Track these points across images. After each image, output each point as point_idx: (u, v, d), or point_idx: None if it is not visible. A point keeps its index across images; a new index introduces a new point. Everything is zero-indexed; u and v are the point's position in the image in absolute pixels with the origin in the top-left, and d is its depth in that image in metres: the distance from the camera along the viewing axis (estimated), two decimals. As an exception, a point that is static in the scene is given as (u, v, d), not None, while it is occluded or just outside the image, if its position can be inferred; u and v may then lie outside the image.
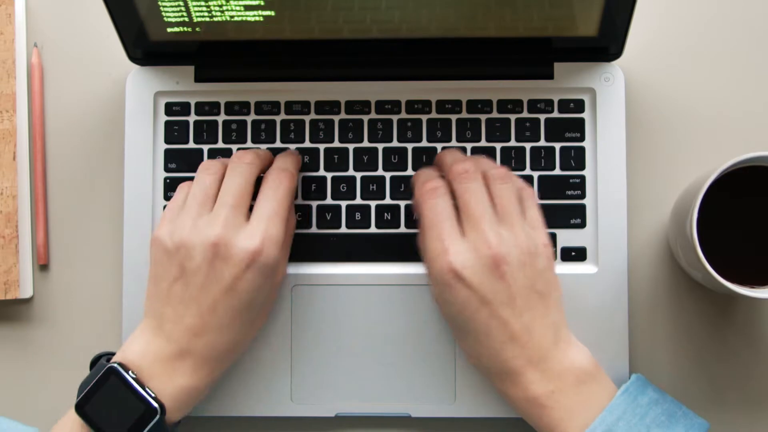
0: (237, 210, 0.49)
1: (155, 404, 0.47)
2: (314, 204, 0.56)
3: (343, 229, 0.56)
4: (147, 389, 0.47)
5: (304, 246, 0.56)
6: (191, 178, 0.56)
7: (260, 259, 0.48)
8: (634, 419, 0.48)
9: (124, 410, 0.47)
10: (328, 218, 0.56)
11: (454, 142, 0.56)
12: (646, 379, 0.52)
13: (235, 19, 0.52)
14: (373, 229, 0.56)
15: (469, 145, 0.56)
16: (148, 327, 0.49)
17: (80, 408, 0.48)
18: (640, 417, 0.48)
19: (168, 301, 0.49)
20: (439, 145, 0.56)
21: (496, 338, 0.48)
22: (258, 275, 0.48)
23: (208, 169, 0.51)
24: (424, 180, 0.51)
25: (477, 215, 0.48)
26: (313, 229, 0.56)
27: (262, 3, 0.50)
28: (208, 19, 0.51)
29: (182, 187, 0.53)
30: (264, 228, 0.48)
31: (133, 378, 0.47)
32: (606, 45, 0.55)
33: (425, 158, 0.56)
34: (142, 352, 0.48)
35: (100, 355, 0.51)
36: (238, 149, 0.56)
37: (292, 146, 0.56)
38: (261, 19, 0.51)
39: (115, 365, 0.48)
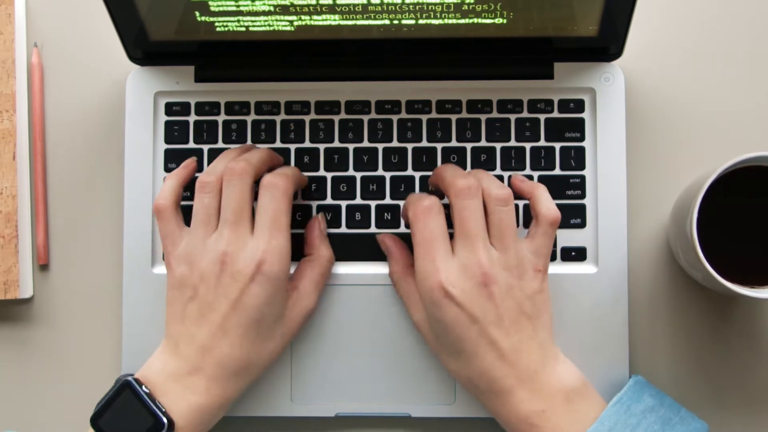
0: (239, 226, 0.50)
1: (164, 419, 0.47)
2: (314, 204, 0.56)
3: (343, 229, 0.56)
4: (158, 404, 0.48)
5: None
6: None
7: (264, 269, 0.48)
8: (626, 431, 0.48)
9: (134, 423, 0.48)
10: (329, 218, 0.56)
11: (454, 142, 0.56)
12: (645, 381, 0.51)
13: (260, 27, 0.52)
14: (373, 229, 0.56)
15: (469, 145, 0.56)
16: (167, 348, 0.50)
17: (94, 421, 0.48)
18: (632, 429, 0.48)
19: (182, 322, 0.50)
20: (439, 145, 0.56)
21: (485, 358, 0.48)
22: (263, 287, 0.49)
23: (204, 188, 0.51)
24: (418, 198, 0.51)
25: (472, 233, 0.49)
26: (313, 229, 0.56)
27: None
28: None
29: (164, 214, 0.52)
30: (266, 239, 0.49)
31: (145, 392, 0.48)
32: (606, 45, 0.55)
33: (425, 158, 0.56)
34: (158, 370, 0.50)
35: (124, 375, 0.52)
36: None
37: (292, 146, 0.56)
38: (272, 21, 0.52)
39: (131, 379, 0.49)
